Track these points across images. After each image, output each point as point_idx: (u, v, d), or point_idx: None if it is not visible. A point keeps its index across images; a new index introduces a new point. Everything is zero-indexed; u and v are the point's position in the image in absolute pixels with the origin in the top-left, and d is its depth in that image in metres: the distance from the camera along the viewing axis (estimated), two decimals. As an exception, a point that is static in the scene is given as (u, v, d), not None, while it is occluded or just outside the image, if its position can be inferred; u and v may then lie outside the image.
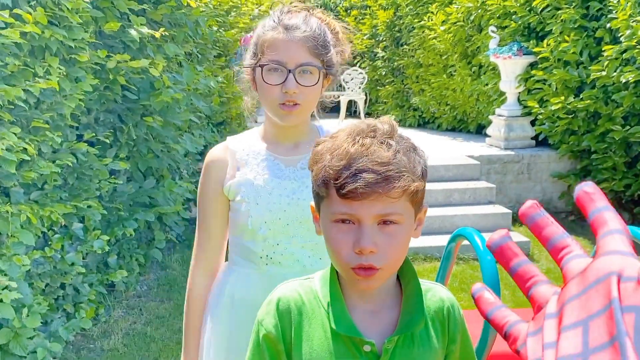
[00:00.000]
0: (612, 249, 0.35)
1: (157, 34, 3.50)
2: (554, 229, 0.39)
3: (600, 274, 0.34)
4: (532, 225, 0.40)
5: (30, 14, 2.48)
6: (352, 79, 9.61)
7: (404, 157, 0.89)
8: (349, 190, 0.87)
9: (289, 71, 1.31)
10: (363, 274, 0.90)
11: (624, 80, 5.05)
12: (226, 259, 1.50)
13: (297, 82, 1.31)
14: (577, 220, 5.86)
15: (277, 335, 0.98)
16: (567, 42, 5.56)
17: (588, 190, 0.38)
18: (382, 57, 9.07)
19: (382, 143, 0.89)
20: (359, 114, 9.29)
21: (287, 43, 1.31)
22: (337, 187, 0.88)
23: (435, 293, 1.01)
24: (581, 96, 5.51)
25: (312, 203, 1.00)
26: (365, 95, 9.80)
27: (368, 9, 9.46)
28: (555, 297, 0.37)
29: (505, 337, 0.40)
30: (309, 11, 1.39)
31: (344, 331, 0.93)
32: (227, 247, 1.49)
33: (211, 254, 1.45)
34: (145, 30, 3.46)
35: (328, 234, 0.93)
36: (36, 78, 2.62)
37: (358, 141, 0.89)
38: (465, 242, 1.99)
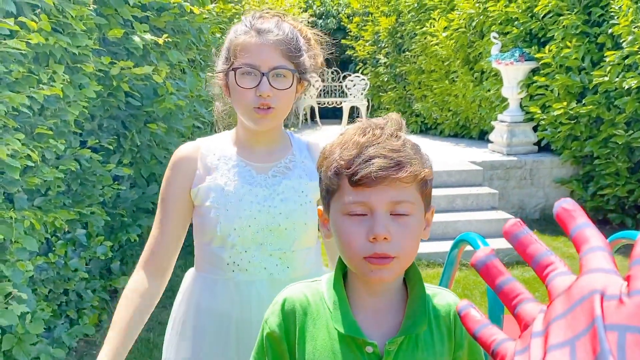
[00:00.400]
0: (595, 266, 0.36)
1: (161, 41, 3.52)
2: (538, 247, 0.40)
3: (585, 292, 0.35)
4: (516, 243, 0.40)
5: (35, 22, 2.50)
6: (354, 86, 9.62)
7: (411, 150, 0.92)
8: (361, 175, 0.88)
9: (263, 74, 1.30)
10: (377, 263, 0.89)
11: (626, 86, 5.05)
12: (193, 265, 1.46)
13: (271, 85, 1.30)
14: (580, 226, 5.85)
15: (280, 335, 0.99)
16: (569, 48, 5.57)
17: (567, 207, 0.39)
18: (384, 63, 9.09)
19: (391, 135, 0.92)
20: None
21: (260, 46, 1.30)
22: (349, 175, 0.89)
23: (442, 298, 1.01)
24: (583, 102, 5.51)
25: (320, 207, 1.01)
26: (368, 101, 9.81)
27: (370, 15, 9.49)
28: (542, 315, 0.37)
29: (493, 355, 0.40)
30: (280, 17, 1.38)
31: (347, 331, 0.93)
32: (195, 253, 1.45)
33: (165, 253, 1.37)
34: (148, 37, 3.47)
35: (340, 228, 0.93)
36: (40, 85, 2.63)
37: (368, 132, 0.92)
38: (468, 247, 1.99)
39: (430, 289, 1.01)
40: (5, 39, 2.38)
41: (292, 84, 1.33)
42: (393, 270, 0.92)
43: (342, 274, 0.99)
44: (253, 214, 1.35)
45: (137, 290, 1.33)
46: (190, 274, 1.46)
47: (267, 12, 1.38)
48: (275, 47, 1.31)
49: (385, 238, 0.89)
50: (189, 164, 1.39)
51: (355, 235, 0.90)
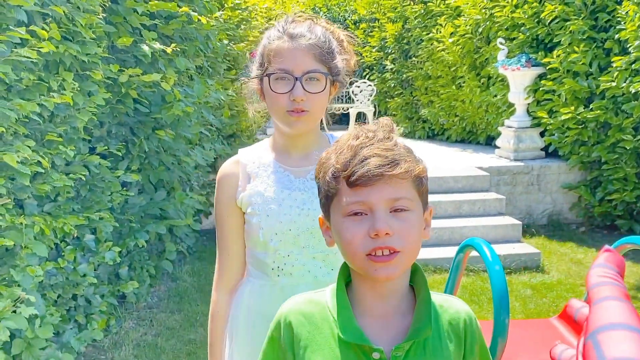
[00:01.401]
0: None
1: (169, 50, 3.56)
2: None
3: None
4: None
5: (46, 30, 2.53)
6: (361, 91, 9.64)
7: (404, 149, 0.96)
8: (358, 175, 0.91)
9: (296, 79, 1.32)
10: (381, 260, 0.91)
11: (633, 91, 5.04)
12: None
13: (305, 89, 1.32)
14: (587, 232, 5.83)
15: (284, 347, 1.01)
16: (576, 53, 5.56)
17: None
18: (391, 69, 9.11)
19: (383, 137, 0.95)
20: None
21: (292, 51, 1.33)
22: (346, 176, 0.92)
23: (451, 305, 1.02)
24: (591, 107, 5.50)
25: (321, 215, 1.03)
26: (374, 107, 9.83)
27: (377, 21, 9.52)
28: None
29: None
30: (313, 20, 1.40)
31: (351, 339, 0.94)
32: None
33: (232, 271, 1.46)
34: (157, 45, 3.51)
35: (341, 229, 0.95)
36: (50, 93, 2.67)
37: (361, 135, 0.95)
38: (474, 252, 2.00)
39: (440, 296, 1.02)
40: (16, 47, 2.42)
41: (325, 87, 1.35)
42: (398, 266, 0.93)
43: (346, 281, 1.00)
44: (293, 217, 1.37)
45: (223, 312, 1.45)
46: (241, 280, 1.49)
47: (299, 16, 1.41)
48: (308, 51, 1.33)
49: (387, 233, 0.91)
50: (232, 179, 1.44)
51: (356, 233, 0.92)
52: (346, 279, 1.00)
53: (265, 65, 1.37)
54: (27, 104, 2.39)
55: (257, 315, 1.41)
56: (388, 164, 0.91)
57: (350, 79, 1.46)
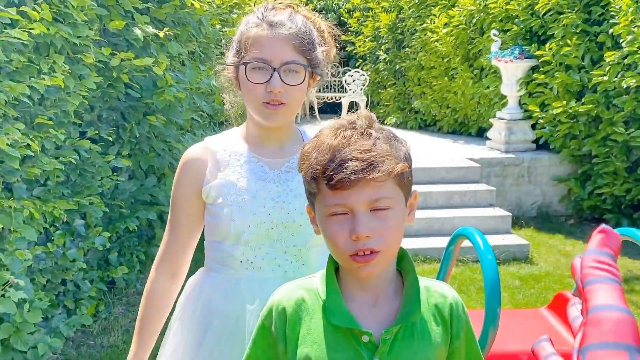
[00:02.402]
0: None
1: (161, 34, 3.52)
2: None
3: None
4: None
5: (37, 11, 2.49)
6: (353, 81, 9.62)
7: (385, 145, 0.94)
8: (337, 180, 0.91)
9: (274, 69, 1.27)
10: (362, 260, 0.93)
11: (625, 85, 5.06)
12: (202, 265, 1.44)
13: (283, 80, 1.27)
14: (576, 224, 5.87)
15: (275, 335, 1.01)
16: (569, 46, 5.57)
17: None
18: (384, 59, 9.09)
19: (362, 134, 0.94)
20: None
21: (271, 40, 1.27)
22: (326, 179, 0.93)
23: (438, 289, 1.03)
24: (583, 100, 5.52)
25: (307, 205, 1.03)
26: (367, 97, 9.81)
27: (370, 11, 9.48)
28: None
29: None
30: (293, 8, 1.34)
31: (340, 322, 0.95)
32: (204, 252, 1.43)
33: (176, 254, 1.39)
34: (149, 29, 3.47)
35: (325, 228, 0.97)
36: (41, 75, 2.64)
37: (340, 134, 0.95)
38: (465, 243, 2.01)
39: (427, 281, 1.03)
40: (6, 29, 2.38)
41: (304, 79, 1.30)
42: (378, 264, 0.95)
43: (334, 266, 1.02)
44: (267, 210, 1.32)
45: (161, 295, 1.39)
46: (198, 274, 1.44)
47: (280, 3, 1.35)
48: (288, 41, 1.27)
49: (367, 236, 0.92)
50: (198, 164, 1.36)
51: (339, 234, 0.94)
52: (335, 264, 1.01)
53: (242, 53, 1.30)
54: (17, 86, 2.36)
55: (217, 313, 1.35)
56: (366, 168, 0.91)
57: (329, 70, 1.42)
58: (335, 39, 1.42)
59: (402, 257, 1.02)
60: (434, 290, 1.02)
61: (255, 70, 1.28)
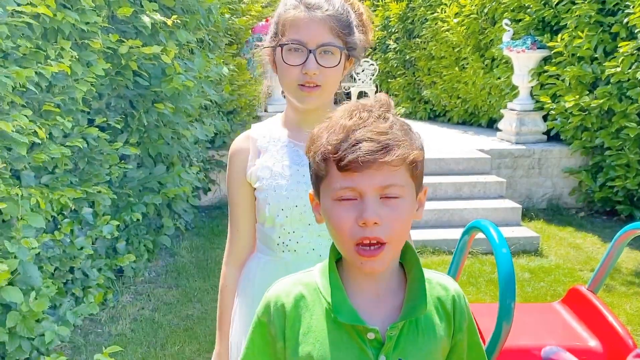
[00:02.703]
0: None
1: (169, 22, 3.48)
2: None
3: None
4: None
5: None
6: (363, 71, 9.55)
7: (400, 131, 0.90)
8: (349, 160, 0.86)
9: (310, 51, 1.27)
10: (368, 255, 0.88)
11: (639, 77, 4.98)
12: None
13: (318, 62, 1.27)
14: (586, 217, 5.81)
15: (274, 332, 0.97)
16: (581, 37, 5.48)
17: None
18: (394, 49, 9.01)
19: (379, 117, 0.90)
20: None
21: (308, 22, 1.27)
22: (337, 160, 0.88)
23: (440, 282, 1.00)
24: (595, 93, 5.44)
25: (311, 191, 0.99)
26: (376, 87, 9.75)
27: (380, 0, 9.39)
28: None
29: None
30: None
31: (346, 320, 0.91)
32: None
33: (240, 246, 1.45)
34: (157, 16, 3.43)
35: (330, 214, 0.91)
36: (48, 60, 2.61)
37: (355, 115, 0.90)
38: (477, 235, 1.97)
39: (429, 273, 1.00)
40: (13, 15, 2.35)
41: (339, 61, 1.30)
42: (384, 259, 0.90)
43: (336, 260, 0.97)
44: (300, 194, 1.34)
45: (232, 288, 1.45)
46: (251, 255, 1.49)
47: None
48: (324, 23, 1.27)
49: (375, 223, 0.87)
50: (242, 154, 1.41)
51: (345, 220, 0.89)
52: (336, 255, 0.98)
53: (279, 35, 1.31)
54: (24, 71, 2.33)
55: (260, 290, 1.38)
56: (381, 150, 0.86)
57: (366, 54, 1.40)
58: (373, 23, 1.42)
59: (406, 250, 0.98)
60: (436, 282, 0.99)
61: (292, 52, 1.29)
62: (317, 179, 0.94)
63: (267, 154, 1.38)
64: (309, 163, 0.96)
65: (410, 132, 0.93)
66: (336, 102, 1.44)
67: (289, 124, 1.41)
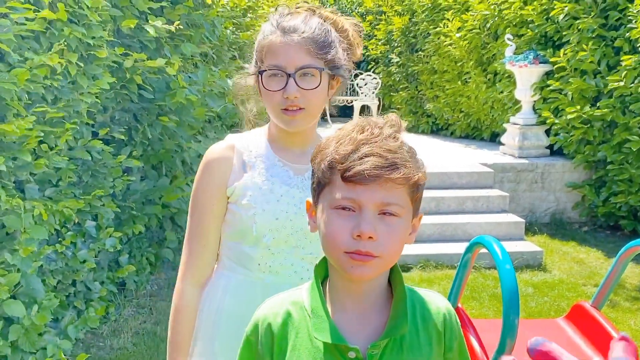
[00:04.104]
0: None
1: (173, 29, 3.50)
2: None
3: None
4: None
5: (53, 12, 2.49)
6: (365, 84, 9.59)
7: (407, 153, 0.92)
8: (355, 172, 0.88)
9: (289, 75, 1.26)
10: (359, 258, 0.89)
11: (642, 91, 4.99)
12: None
13: (299, 85, 1.26)
14: (590, 231, 5.79)
15: (262, 352, 0.98)
16: (584, 51, 5.50)
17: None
18: (397, 62, 9.05)
19: (389, 135, 0.92)
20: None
21: (285, 47, 1.27)
22: (342, 170, 0.89)
23: (430, 300, 1.00)
24: (598, 105, 5.45)
25: (309, 199, 1.00)
26: (379, 100, 9.78)
27: (383, 14, 9.45)
28: None
29: None
30: (313, 11, 1.33)
31: (325, 338, 0.92)
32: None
33: (205, 262, 1.37)
34: (160, 24, 3.44)
35: (326, 221, 0.93)
36: (55, 75, 2.63)
37: (367, 130, 0.92)
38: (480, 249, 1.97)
39: (420, 292, 1.01)
40: (17, 24, 2.37)
41: (320, 82, 1.29)
42: (373, 268, 0.91)
43: (321, 280, 0.98)
44: (290, 215, 1.32)
45: (191, 308, 1.36)
46: (213, 272, 1.41)
47: (298, 7, 1.34)
48: (301, 45, 1.26)
49: (370, 237, 0.88)
50: (224, 163, 1.35)
51: (341, 229, 0.90)
52: (323, 275, 0.99)
53: (259, 62, 1.31)
54: (24, 72, 2.31)
55: (228, 315, 1.34)
56: (387, 167, 0.88)
57: (354, 69, 1.40)
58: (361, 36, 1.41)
59: (392, 269, 0.98)
60: (426, 300, 1.00)
61: (272, 78, 1.28)
62: (319, 186, 0.96)
63: (255, 171, 1.34)
64: (312, 170, 0.98)
65: (416, 156, 0.95)
66: (324, 119, 1.43)
67: (274, 141, 1.38)
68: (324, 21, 1.33)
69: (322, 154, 0.94)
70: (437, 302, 1.00)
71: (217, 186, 1.34)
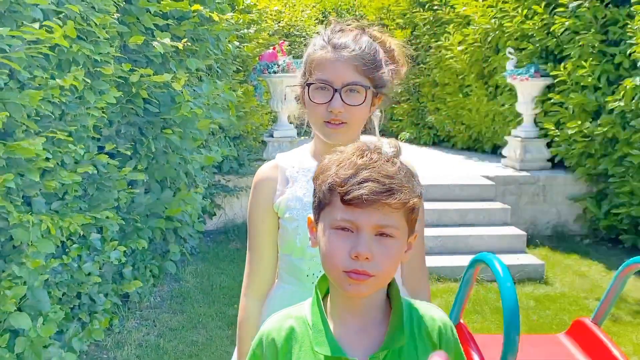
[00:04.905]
0: None
1: (180, 45, 3.56)
2: None
3: None
4: None
5: (60, 25, 2.53)
6: (368, 96, 9.64)
7: (405, 178, 0.97)
8: (353, 196, 0.93)
9: (335, 90, 1.32)
10: (356, 277, 0.94)
11: (642, 106, 5.01)
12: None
13: (344, 101, 1.32)
14: (592, 244, 5.81)
15: None
16: (584, 67, 5.54)
17: None
18: (399, 75, 9.09)
19: (388, 160, 0.97)
20: (374, 130, 9.31)
21: (334, 62, 1.32)
22: (342, 193, 0.94)
23: (426, 312, 1.04)
24: (599, 122, 5.48)
25: (310, 215, 1.05)
26: (381, 112, 9.81)
27: (385, 28, 9.52)
28: None
29: None
30: (363, 29, 1.39)
31: (325, 351, 0.96)
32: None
33: (263, 276, 1.44)
34: (167, 40, 3.50)
35: (326, 241, 0.98)
36: (63, 92, 2.67)
37: (366, 155, 0.97)
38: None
39: (418, 304, 1.05)
40: (30, 45, 2.42)
41: (364, 99, 1.34)
42: (369, 286, 0.96)
43: (324, 293, 1.03)
44: None
45: (254, 321, 1.42)
46: (273, 285, 1.48)
47: (348, 24, 1.40)
48: (350, 63, 1.32)
49: (367, 258, 0.94)
50: (269, 183, 1.42)
51: (339, 249, 0.95)
52: (324, 291, 1.04)
53: (307, 74, 1.37)
54: (36, 94, 2.37)
55: None
56: (384, 192, 0.93)
57: (399, 88, 1.45)
58: (407, 57, 1.46)
59: (391, 284, 1.03)
60: (422, 313, 1.03)
61: (318, 91, 1.34)
62: (320, 206, 1.01)
63: (297, 185, 1.40)
64: (314, 190, 1.02)
65: (413, 179, 1.00)
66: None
67: (317, 155, 1.43)
68: (373, 40, 1.39)
69: (323, 175, 0.99)
70: (432, 314, 1.04)
71: (265, 204, 1.42)
